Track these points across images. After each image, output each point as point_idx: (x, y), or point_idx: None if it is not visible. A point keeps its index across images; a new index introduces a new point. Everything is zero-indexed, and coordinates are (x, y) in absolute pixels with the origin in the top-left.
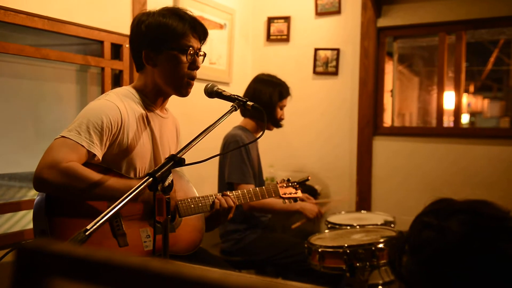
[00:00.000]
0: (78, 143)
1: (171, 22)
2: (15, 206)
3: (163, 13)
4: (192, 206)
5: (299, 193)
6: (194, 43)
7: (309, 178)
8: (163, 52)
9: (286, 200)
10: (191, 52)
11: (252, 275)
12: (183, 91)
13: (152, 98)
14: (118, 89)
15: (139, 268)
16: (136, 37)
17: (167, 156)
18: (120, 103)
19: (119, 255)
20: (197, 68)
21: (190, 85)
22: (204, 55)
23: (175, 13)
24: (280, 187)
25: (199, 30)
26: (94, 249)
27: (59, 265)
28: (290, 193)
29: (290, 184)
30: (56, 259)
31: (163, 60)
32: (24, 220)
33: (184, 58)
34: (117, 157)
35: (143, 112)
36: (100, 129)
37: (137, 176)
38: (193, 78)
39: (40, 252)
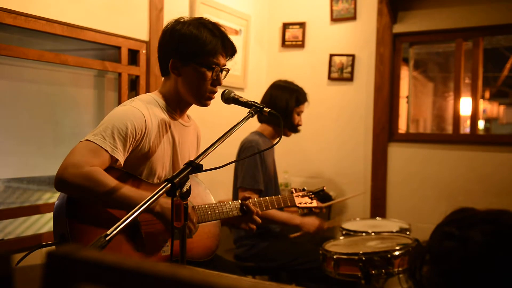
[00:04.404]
0: (102, 147)
1: (204, 38)
2: (31, 210)
3: (197, 25)
4: (209, 212)
5: (315, 203)
6: (222, 60)
7: (325, 188)
8: (190, 65)
9: (300, 210)
10: (217, 69)
11: (280, 284)
12: (204, 102)
13: (173, 106)
14: (143, 96)
15: (168, 277)
16: (168, 44)
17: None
18: (145, 110)
19: (148, 263)
20: (219, 84)
21: (210, 99)
22: (228, 70)
23: (208, 28)
24: (295, 196)
25: (229, 48)
26: (123, 257)
27: (88, 271)
28: (306, 203)
29: (306, 194)
30: (85, 265)
31: (188, 72)
32: (38, 224)
33: (209, 75)
34: (138, 162)
35: (166, 119)
36: (125, 135)
37: (155, 181)
38: (214, 93)
39: (69, 258)
